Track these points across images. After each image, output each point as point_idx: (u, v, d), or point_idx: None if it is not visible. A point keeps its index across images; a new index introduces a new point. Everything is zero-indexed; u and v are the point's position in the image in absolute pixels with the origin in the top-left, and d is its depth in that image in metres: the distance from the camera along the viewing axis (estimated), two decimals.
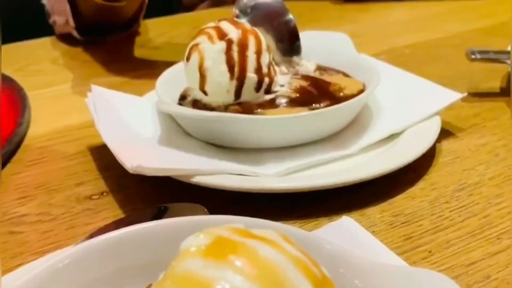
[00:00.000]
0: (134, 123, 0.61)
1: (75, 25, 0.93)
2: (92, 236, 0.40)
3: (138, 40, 1.00)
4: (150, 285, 0.35)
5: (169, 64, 0.71)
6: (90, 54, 0.94)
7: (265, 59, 0.61)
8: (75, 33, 0.94)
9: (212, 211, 0.47)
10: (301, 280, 0.27)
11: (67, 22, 0.94)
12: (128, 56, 0.93)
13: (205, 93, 0.60)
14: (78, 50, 0.95)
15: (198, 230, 0.30)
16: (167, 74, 0.68)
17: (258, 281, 0.26)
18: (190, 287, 0.26)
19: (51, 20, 0.98)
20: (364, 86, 0.65)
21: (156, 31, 1.03)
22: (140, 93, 0.70)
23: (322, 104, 0.61)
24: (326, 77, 0.67)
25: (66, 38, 0.98)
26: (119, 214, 0.53)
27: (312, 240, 0.36)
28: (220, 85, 0.60)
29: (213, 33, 0.60)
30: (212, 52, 0.59)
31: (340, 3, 1.14)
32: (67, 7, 0.91)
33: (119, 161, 0.53)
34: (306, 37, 0.71)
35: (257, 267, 0.27)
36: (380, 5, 1.12)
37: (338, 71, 0.70)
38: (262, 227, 0.31)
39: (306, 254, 0.29)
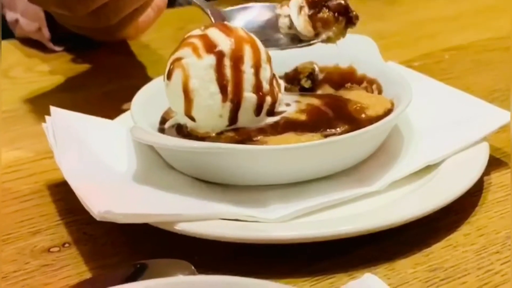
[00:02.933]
0: (103, 155, 0.62)
1: (50, 36, 0.95)
2: None
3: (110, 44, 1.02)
4: None
5: (148, 76, 0.73)
6: (48, 64, 0.95)
7: (266, 73, 0.62)
8: (50, 45, 0.96)
9: (200, 268, 0.48)
10: None
11: (39, 29, 0.95)
12: (97, 66, 0.94)
13: (192, 119, 0.62)
14: (34, 60, 0.97)
15: None
16: (145, 91, 0.69)
17: None
18: None
19: (8, 17, 0.99)
20: (392, 104, 0.66)
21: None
22: (111, 115, 0.71)
23: (339, 129, 0.61)
24: (344, 93, 0.69)
25: (17, 43, 1.00)
26: (84, 271, 0.54)
27: None
28: (211, 109, 0.61)
29: (199, 44, 0.61)
30: (198, 69, 0.60)
31: None
32: (41, 15, 0.93)
33: (83, 205, 0.54)
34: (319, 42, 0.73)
35: None
36: None
37: (358, 85, 0.72)
38: None
39: None
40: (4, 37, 0.98)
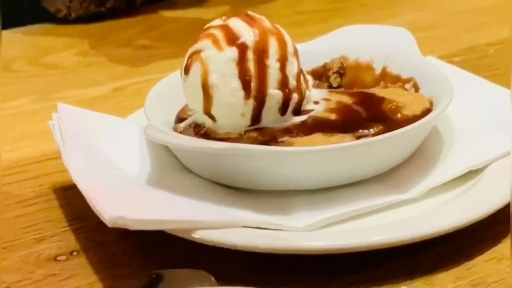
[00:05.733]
0: (114, 156, 0.63)
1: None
2: None
3: (121, 34, 1.03)
4: None
5: (163, 71, 0.73)
6: (54, 56, 0.97)
7: (292, 68, 0.63)
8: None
9: (220, 280, 0.48)
10: None
11: None
12: (108, 59, 0.95)
13: (211, 117, 0.62)
14: (38, 51, 0.98)
15: None
16: (159, 87, 0.70)
17: None
18: None
19: None
20: (431, 103, 0.66)
21: (148, 22, 1.05)
22: (123, 113, 0.72)
23: (372, 130, 0.62)
24: (378, 91, 0.69)
25: (19, 34, 1.01)
26: (94, 282, 0.55)
27: None
28: (232, 107, 0.61)
29: (220, 35, 0.61)
30: (219, 62, 0.61)
31: None
32: None
33: (94, 210, 0.55)
34: (349, 34, 0.73)
35: None
36: None
37: (394, 82, 0.72)
38: None
39: None
40: (5, 26, 1.00)
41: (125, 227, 0.53)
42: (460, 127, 0.68)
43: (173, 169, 0.64)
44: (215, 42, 0.61)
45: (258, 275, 0.54)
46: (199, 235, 0.54)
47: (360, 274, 0.54)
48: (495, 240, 0.57)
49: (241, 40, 0.61)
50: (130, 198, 0.57)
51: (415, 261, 0.55)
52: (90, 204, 0.55)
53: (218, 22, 0.63)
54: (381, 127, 0.62)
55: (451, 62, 0.81)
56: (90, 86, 0.88)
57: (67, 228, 0.61)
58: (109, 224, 0.53)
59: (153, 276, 0.47)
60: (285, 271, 0.55)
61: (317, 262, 0.55)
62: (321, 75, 0.74)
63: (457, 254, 0.56)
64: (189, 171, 0.64)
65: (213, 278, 0.47)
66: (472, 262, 0.55)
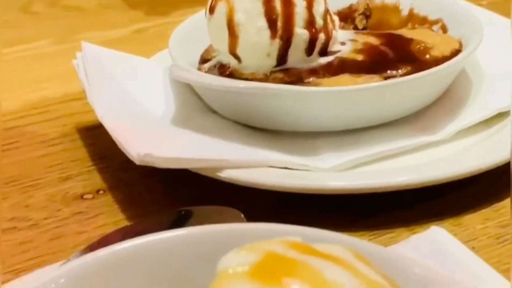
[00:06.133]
0: (139, 95, 0.63)
1: None
2: (91, 248, 0.41)
3: None
4: None
5: (186, 13, 0.72)
6: None
7: (319, 7, 0.62)
8: None
9: (249, 218, 0.48)
10: None
11: None
12: (127, 1, 0.94)
13: (237, 58, 0.62)
14: None
15: (238, 243, 0.31)
16: (184, 28, 0.69)
17: None
18: None
19: None
20: (460, 44, 0.65)
21: None
22: (148, 53, 0.71)
23: (400, 71, 0.61)
24: (406, 32, 0.68)
25: None
26: (121, 220, 0.55)
27: (392, 260, 0.37)
28: (258, 46, 0.60)
29: None
30: (245, 1, 0.60)
31: None
32: None
33: (121, 148, 0.55)
34: None
35: None
36: None
37: (422, 23, 0.71)
38: (325, 241, 0.32)
39: (389, 279, 0.30)
40: None
41: (152, 165, 0.53)
42: (489, 69, 0.67)
43: (198, 110, 0.64)
44: None
45: (285, 216, 0.54)
46: (225, 174, 0.54)
47: (389, 215, 0.54)
48: None
49: None
50: (157, 137, 0.57)
51: (444, 203, 0.55)
52: (117, 142, 0.55)
53: None
54: (409, 68, 0.61)
55: (479, 5, 0.79)
56: (110, 28, 0.87)
57: (92, 167, 0.61)
58: (137, 162, 0.53)
59: (182, 212, 0.47)
60: (312, 211, 0.55)
61: (345, 202, 0.55)
62: (346, 17, 0.73)
63: (486, 196, 0.55)
64: (214, 112, 0.63)
65: (242, 215, 0.46)
66: (501, 204, 0.55)
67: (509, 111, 0.61)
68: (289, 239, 0.31)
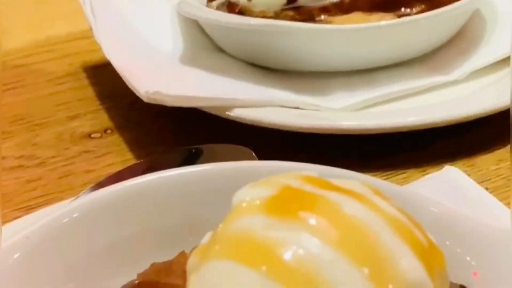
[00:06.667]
0: (147, 33, 0.62)
1: None
2: (102, 185, 0.41)
3: None
4: (182, 252, 0.37)
5: None
6: None
7: None
8: None
9: (260, 156, 0.48)
10: (400, 247, 0.28)
11: None
12: None
13: None
14: None
15: (251, 181, 0.31)
16: None
17: (342, 247, 0.27)
18: (248, 253, 0.27)
19: None
20: None
21: None
22: None
23: (414, 9, 0.60)
24: None
25: None
26: (129, 159, 0.54)
27: (409, 199, 0.36)
28: None
29: None
30: None
31: None
32: None
33: (129, 85, 0.54)
34: None
35: (342, 228, 0.27)
36: None
37: None
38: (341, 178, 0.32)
39: (406, 213, 0.30)
40: None
41: (161, 103, 0.52)
42: (504, 9, 0.66)
43: (206, 49, 0.63)
44: None
45: (296, 155, 0.53)
46: (236, 113, 0.53)
47: (401, 156, 0.53)
48: None
49: None
50: (166, 75, 0.56)
51: (457, 144, 0.54)
52: (125, 80, 0.54)
53: None
54: (423, 6, 0.60)
55: None
56: None
57: (100, 106, 0.60)
58: (145, 100, 0.52)
59: (193, 150, 0.46)
60: (323, 151, 0.54)
61: (356, 143, 0.54)
62: None
63: (500, 137, 0.55)
64: (223, 51, 0.62)
65: (253, 154, 0.46)
66: None
67: None
68: (306, 173, 0.31)
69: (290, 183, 0.30)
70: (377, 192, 0.30)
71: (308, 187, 0.29)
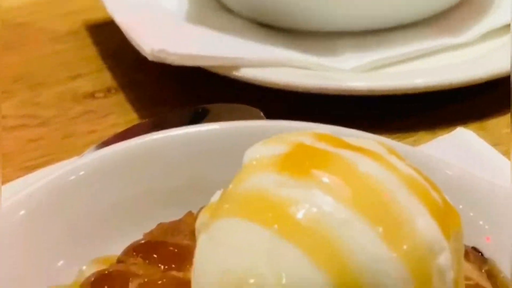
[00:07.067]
0: None
1: None
2: (106, 144, 0.40)
3: None
4: (190, 212, 0.36)
5: None
6: None
7: None
8: None
9: (268, 116, 0.47)
10: (416, 207, 0.27)
11: None
12: None
13: None
14: None
15: (261, 140, 0.30)
16: None
17: (356, 205, 0.26)
18: (260, 211, 0.26)
19: None
20: None
21: None
22: None
23: None
24: None
25: None
26: (133, 120, 0.54)
27: (420, 160, 0.35)
28: None
29: None
30: None
31: None
32: None
33: (133, 43, 0.53)
34: None
35: (356, 187, 0.27)
36: None
37: None
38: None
39: (422, 173, 0.29)
40: None
41: (166, 61, 0.51)
42: None
43: (213, 8, 0.62)
44: None
45: (305, 116, 0.52)
46: (242, 73, 0.52)
47: (411, 119, 0.53)
48: None
49: None
50: (171, 34, 0.55)
51: (468, 107, 0.54)
52: (129, 38, 0.53)
53: None
54: None
55: None
56: None
57: (103, 65, 0.60)
58: (150, 58, 0.51)
59: (199, 110, 0.45)
60: (331, 112, 0.53)
61: (364, 104, 0.53)
62: None
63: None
64: (230, 10, 0.61)
65: (262, 113, 0.45)
66: None
67: None
68: (319, 131, 0.30)
69: (303, 140, 0.29)
70: (392, 151, 0.29)
71: (322, 145, 0.28)
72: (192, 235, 0.34)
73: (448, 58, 0.57)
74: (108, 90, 0.57)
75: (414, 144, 0.50)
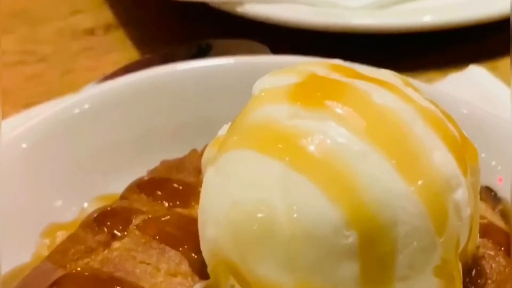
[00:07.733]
0: None
1: None
2: (109, 78, 0.39)
3: None
4: (194, 150, 0.35)
5: None
6: None
7: None
8: None
9: (274, 52, 0.46)
10: (432, 140, 0.26)
11: None
12: None
13: None
14: None
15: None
16: None
17: (371, 137, 0.25)
18: (271, 142, 0.25)
19: None
20: None
21: None
22: None
23: None
24: None
25: None
26: (134, 57, 0.52)
27: (435, 98, 0.34)
28: None
29: None
30: None
31: None
32: None
33: None
34: None
35: (371, 118, 0.25)
36: None
37: None
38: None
39: (439, 106, 0.28)
40: None
41: None
42: None
43: None
44: None
45: (310, 53, 0.51)
46: (246, 9, 0.51)
47: (421, 58, 0.52)
48: None
49: None
50: None
51: (479, 47, 0.53)
52: None
53: None
54: None
55: None
56: None
57: (102, 2, 0.58)
58: None
59: (203, 46, 0.44)
60: (339, 51, 0.52)
61: (373, 42, 0.52)
62: None
63: None
64: None
65: (268, 49, 0.43)
66: None
67: None
68: (332, 61, 0.29)
69: (315, 70, 0.28)
70: (409, 83, 0.28)
71: (335, 75, 0.27)
72: (197, 172, 0.33)
73: None
74: (108, 27, 0.55)
75: (426, 83, 0.49)
